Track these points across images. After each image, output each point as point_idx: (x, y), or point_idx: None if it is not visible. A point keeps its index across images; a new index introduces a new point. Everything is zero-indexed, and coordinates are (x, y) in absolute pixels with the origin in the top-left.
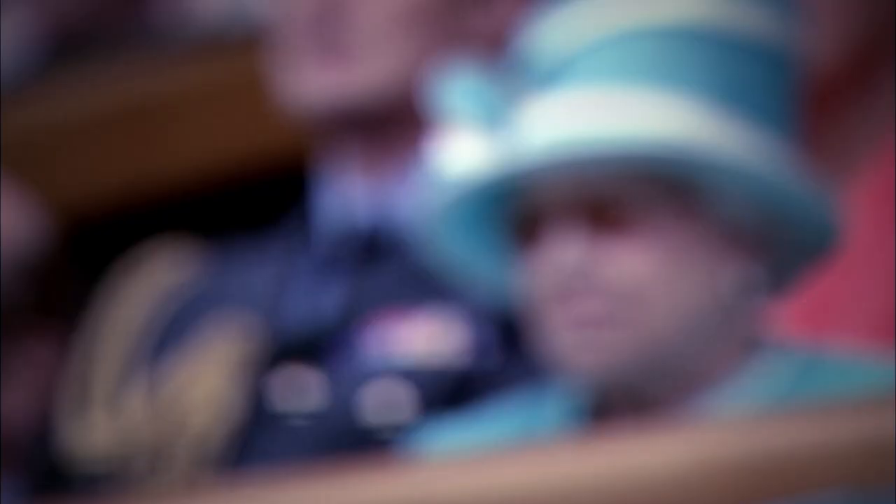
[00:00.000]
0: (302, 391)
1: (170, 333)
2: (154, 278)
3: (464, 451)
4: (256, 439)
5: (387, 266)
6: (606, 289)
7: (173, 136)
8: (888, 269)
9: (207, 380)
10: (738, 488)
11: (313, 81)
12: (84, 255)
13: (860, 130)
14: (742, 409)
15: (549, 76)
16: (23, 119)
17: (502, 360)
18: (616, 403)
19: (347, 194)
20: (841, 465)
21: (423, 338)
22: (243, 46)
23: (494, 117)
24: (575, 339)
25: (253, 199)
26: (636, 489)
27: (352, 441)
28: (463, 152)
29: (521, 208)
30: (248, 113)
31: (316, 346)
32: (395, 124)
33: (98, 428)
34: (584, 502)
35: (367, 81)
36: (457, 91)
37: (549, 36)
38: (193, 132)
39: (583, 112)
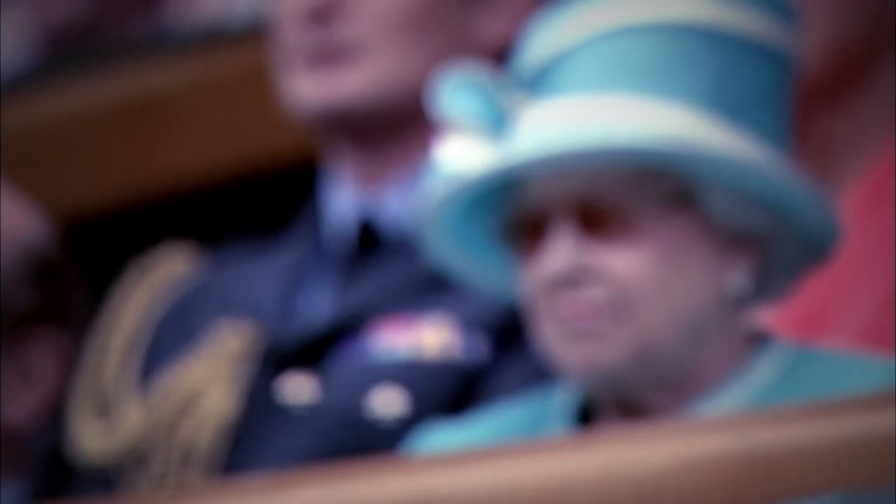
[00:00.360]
0: (303, 387)
1: (174, 332)
2: (158, 278)
3: (464, 449)
4: (259, 433)
5: (386, 267)
6: (601, 288)
7: (175, 133)
8: (877, 275)
9: (211, 377)
10: (736, 487)
11: (309, 85)
12: (86, 254)
13: (846, 134)
14: (740, 408)
15: (546, 76)
16: (23, 119)
17: (500, 359)
18: (615, 403)
19: (347, 196)
20: (839, 463)
21: (423, 336)
22: (249, 41)
23: (494, 120)
24: (568, 339)
25: (259, 197)
26: (635, 488)
27: (352, 436)
28: (462, 155)
29: (520, 209)
30: (255, 109)
31: (317, 344)
32: (393, 128)
33: (104, 428)
34: (581, 500)
35: (364, 85)
36: (456, 94)
37: (545, 36)
38: (198, 129)
39: (578, 113)
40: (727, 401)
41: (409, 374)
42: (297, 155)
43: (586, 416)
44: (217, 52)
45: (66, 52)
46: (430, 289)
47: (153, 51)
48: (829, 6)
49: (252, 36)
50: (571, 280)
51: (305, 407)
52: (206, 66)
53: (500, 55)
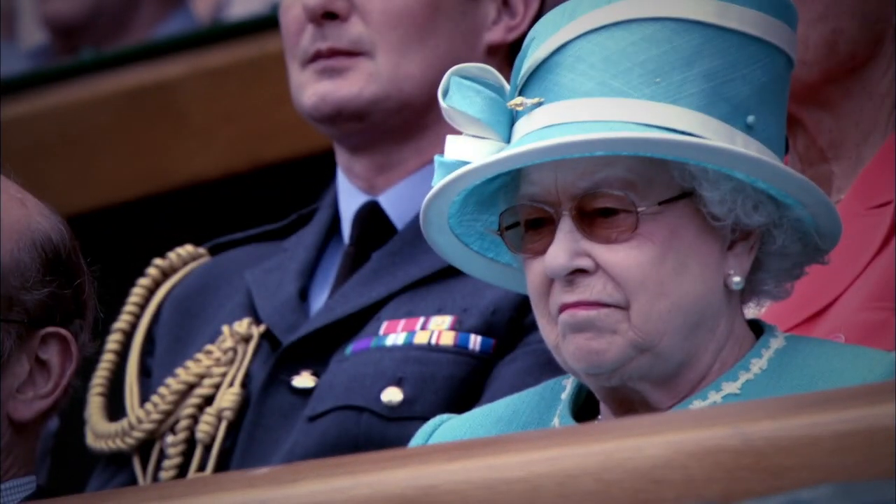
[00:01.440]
0: (310, 379)
1: (185, 326)
2: (170, 273)
3: (466, 441)
4: (267, 424)
5: (392, 261)
6: (602, 284)
7: (181, 128)
8: (866, 272)
9: (221, 370)
10: (730, 479)
11: (315, 85)
12: (92, 249)
13: (835, 135)
14: (733, 400)
15: (549, 74)
16: (24, 114)
17: (504, 352)
18: (614, 398)
19: (355, 192)
20: (832, 455)
21: (427, 329)
22: (255, 35)
23: (500, 118)
24: (569, 333)
25: (270, 191)
26: (631, 479)
27: (357, 427)
28: (468, 152)
29: (523, 205)
30: (265, 103)
31: (324, 337)
32: (400, 126)
33: (116, 420)
34: (580, 492)
35: (371, 85)
36: (463, 93)
37: (549, 34)
38: (205, 123)
39: (582, 111)
40: (721, 394)
41: (414, 366)
42: (310, 149)
43: (587, 409)
44: (223, 46)
45: (73, 46)
46: (434, 282)
47: (159, 45)
48: (819, 10)
49: (257, 30)
50: (573, 275)
51: (312, 398)
52: (212, 60)
53: (506, 54)
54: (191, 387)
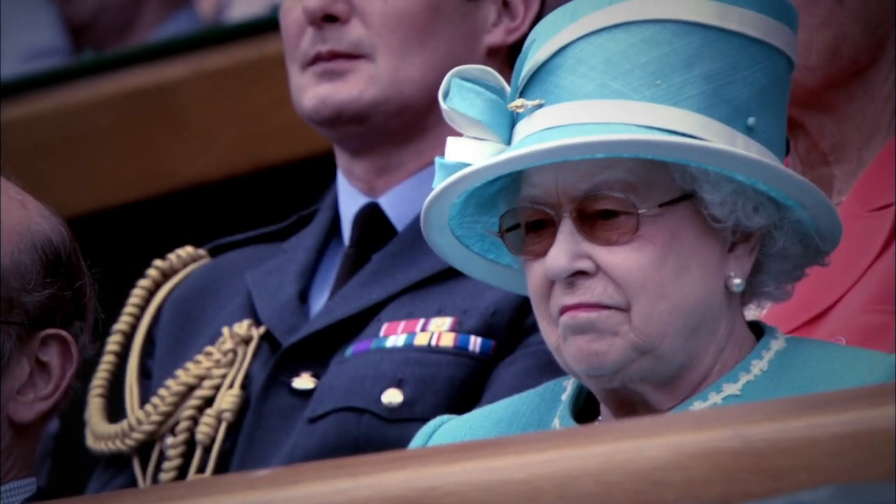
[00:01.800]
0: (310, 381)
1: (185, 328)
2: (170, 275)
3: (466, 442)
4: (267, 426)
5: (392, 263)
6: (603, 285)
7: (183, 129)
8: (868, 275)
9: (221, 372)
10: (730, 481)
11: (316, 87)
12: (96, 252)
13: (836, 138)
14: (733, 402)
15: (550, 75)
16: (36, 111)
17: (504, 353)
18: (615, 399)
19: (355, 193)
20: (832, 457)
21: (427, 330)
22: (255, 36)
23: (500, 120)
24: (570, 335)
25: (270, 192)
26: (631, 481)
27: (358, 428)
28: (469, 154)
29: (523, 207)
30: (267, 104)
31: (324, 339)
32: (400, 128)
33: (116, 422)
34: (579, 493)
35: (371, 87)
36: (463, 95)
37: (550, 36)
38: (207, 124)
39: (583, 113)
40: (721, 396)
41: (414, 367)
42: (310, 151)
43: (588, 410)
44: (223, 48)
45: (76, 48)
46: (434, 283)
47: (160, 47)
48: (821, 15)
49: (257, 32)
50: (574, 277)
51: (312, 400)
52: (212, 62)
53: (507, 56)
54: (191, 388)
